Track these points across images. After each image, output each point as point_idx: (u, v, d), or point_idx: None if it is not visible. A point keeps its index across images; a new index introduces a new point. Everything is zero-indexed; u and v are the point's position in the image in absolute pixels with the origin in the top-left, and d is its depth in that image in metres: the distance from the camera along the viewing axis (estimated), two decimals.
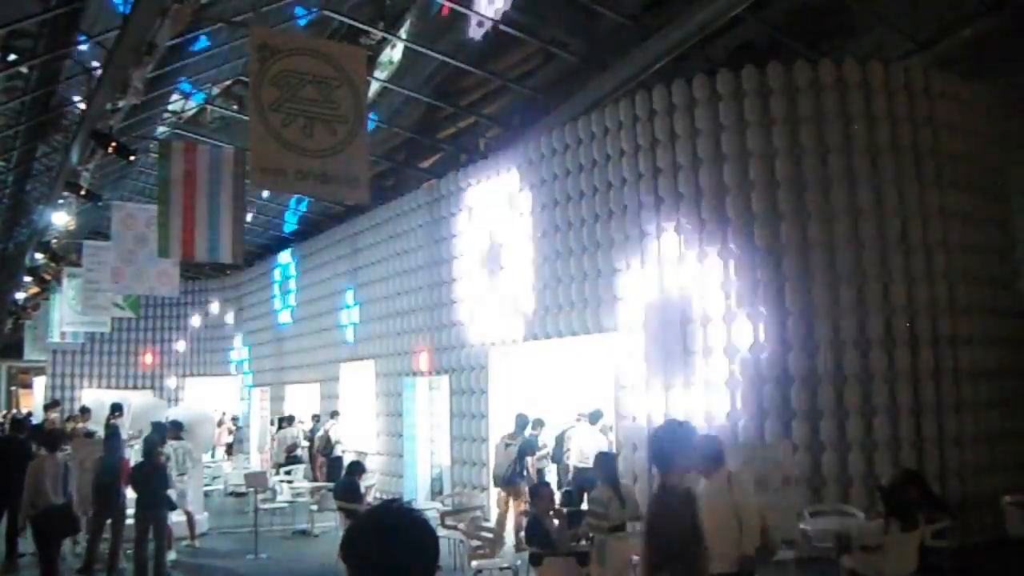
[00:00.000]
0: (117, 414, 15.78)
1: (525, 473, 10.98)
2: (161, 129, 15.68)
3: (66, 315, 18.61)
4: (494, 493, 11.78)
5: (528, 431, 11.62)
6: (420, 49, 13.14)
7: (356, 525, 1.98)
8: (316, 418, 17.20)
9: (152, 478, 9.19)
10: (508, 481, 11.00)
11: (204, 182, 9.56)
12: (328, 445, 16.00)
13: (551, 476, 12.31)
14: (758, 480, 7.59)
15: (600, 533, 7.05)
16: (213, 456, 18.77)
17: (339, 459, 15.51)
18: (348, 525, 1.97)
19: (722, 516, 5.11)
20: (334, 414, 16.62)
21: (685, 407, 9.96)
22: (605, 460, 7.92)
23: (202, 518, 12.23)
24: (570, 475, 11.70)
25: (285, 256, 20.87)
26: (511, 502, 11.02)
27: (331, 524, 12.01)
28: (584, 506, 10.22)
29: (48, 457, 8.65)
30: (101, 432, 13.62)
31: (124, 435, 13.85)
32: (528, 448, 11.16)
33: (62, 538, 8.40)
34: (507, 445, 11.13)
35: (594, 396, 11.77)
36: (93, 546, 9.57)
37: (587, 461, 10.63)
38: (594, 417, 11.43)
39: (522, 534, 8.49)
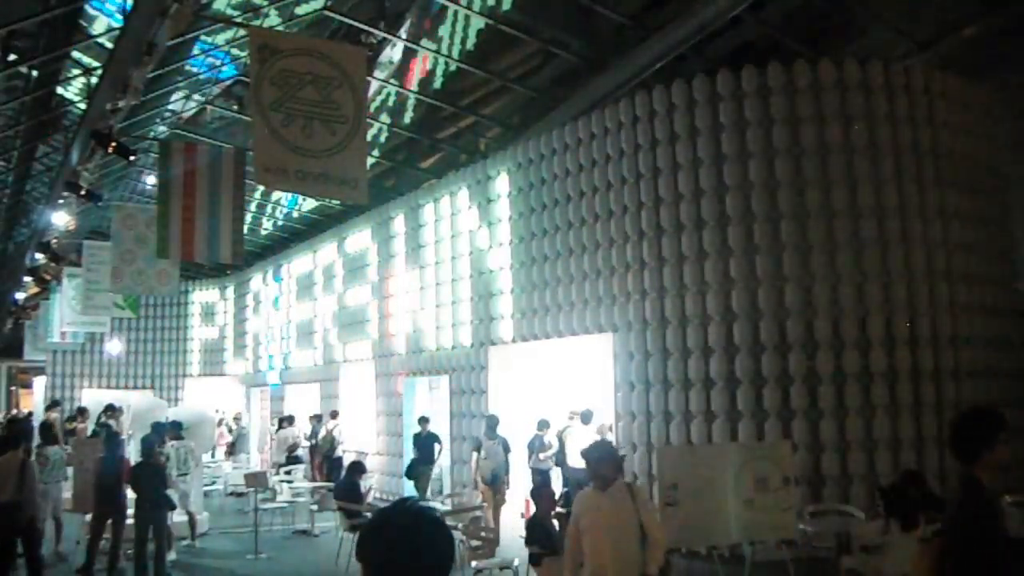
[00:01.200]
0: (110, 413, 15.76)
1: (508, 469, 11.46)
2: (161, 129, 15.68)
3: (66, 315, 18.60)
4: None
5: (535, 431, 11.83)
6: (420, 48, 13.15)
7: (372, 524, 1.98)
8: (317, 418, 17.19)
9: (151, 478, 9.18)
10: (499, 479, 11.32)
11: (204, 182, 9.56)
12: (332, 445, 15.99)
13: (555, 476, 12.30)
14: (758, 480, 7.59)
15: None
16: (213, 456, 18.77)
17: (339, 459, 15.52)
18: (364, 523, 1.97)
19: (624, 532, 4.74)
20: (334, 414, 16.61)
21: (683, 407, 9.98)
22: None
23: (202, 518, 12.23)
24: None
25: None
26: (493, 498, 11.29)
27: (331, 524, 12.00)
28: None
29: (11, 454, 8.56)
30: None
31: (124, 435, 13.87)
32: (507, 446, 11.56)
33: (13, 536, 8.25)
34: (493, 444, 11.50)
35: (592, 396, 11.76)
36: (93, 546, 9.57)
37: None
38: (586, 417, 11.46)
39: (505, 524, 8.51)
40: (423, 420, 13.71)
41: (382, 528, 1.93)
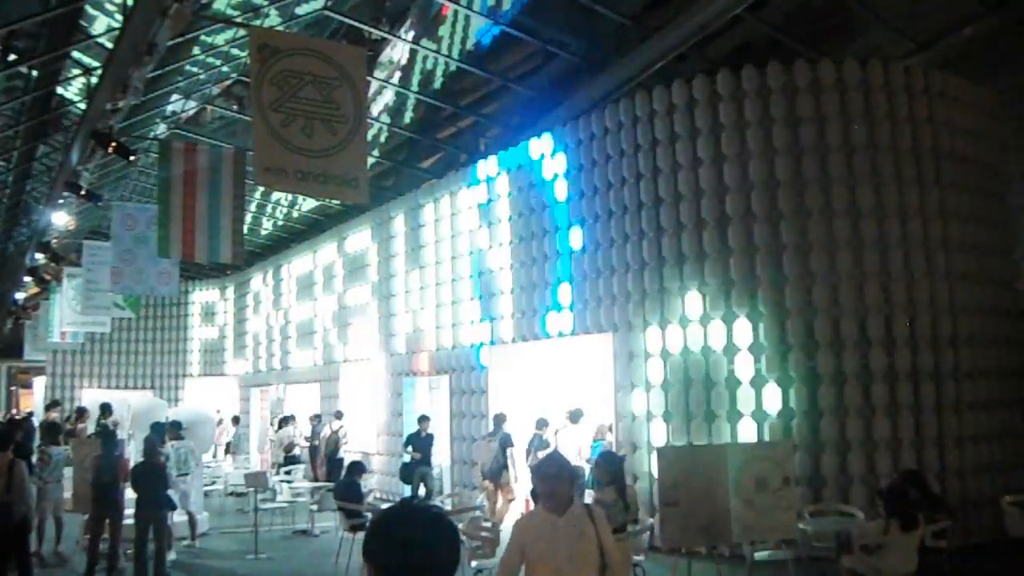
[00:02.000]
0: (108, 414, 15.77)
1: (508, 465, 11.45)
2: (161, 129, 15.67)
3: (66, 315, 18.59)
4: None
5: (534, 430, 11.79)
6: (420, 48, 13.15)
7: (378, 523, 1.99)
8: (316, 418, 17.17)
9: (152, 478, 9.17)
10: (495, 474, 11.40)
11: (204, 182, 9.55)
12: (336, 445, 16.00)
13: None
14: (758, 480, 7.59)
15: None
16: (215, 456, 18.76)
17: (340, 460, 15.52)
18: (371, 522, 2.00)
19: (585, 562, 4.17)
20: (339, 415, 16.62)
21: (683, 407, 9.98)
22: (610, 461, 7.89)
23: (202, 518, 12.23)
24: None
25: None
26: (498, 493, 11.41)
27: (331, 524, 12.00)
28: None
29: (1, 455, 8.51)
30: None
31: (123, 435, 13.86)
32: (507, 442, 11.56)
33: (3, 536, 8.20)
34: (489, 441, 11.60)
35: (592, 396, 11.76)
36: (93, 546, 9.55)
37: (575, 460, 11.10)
38: (575, 416, 11.49)
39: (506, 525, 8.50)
40: (424, 419, 13.48)
41: (389, 527, 1.94)
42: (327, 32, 12.53)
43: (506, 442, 11.57)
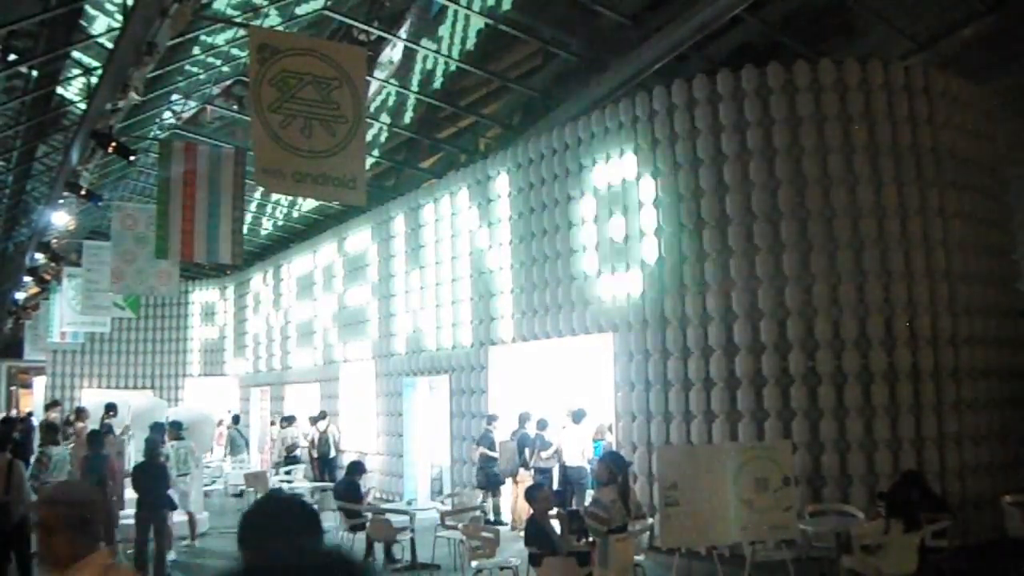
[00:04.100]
0: (111, 413, 15.79)
1: (527, 463, 11.64)
2: (161, 129, 15.67)
3: (66, 315, 18.60)
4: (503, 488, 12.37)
5: (534, 430, 11.88)
6: (420, 48, 13.14)
7: (250, 514, 2.26)
8: (313, 420, 17.17)
9: (153, 478, 9.18)
10: (512, 473, 11.63)
11: (204, 182, 9.57)
12: (325, 445, 16.01)
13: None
14: (758, 480, 7.59)
15: (599, 535, 7.04)
16: (212, 455, 18.75)
17: (332, 460, 15.56)
18: (245, 513, 2.28)
19: None
20: (323, 415, 16.62)
21: (683, 407, 9.98)
22: (614, 461, 7.89)
23: (202, 518, 12.23)
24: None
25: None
26: (518, 491, 11.48)
27: (331, 524, 11.99)
28: (575, 506, 10.32)
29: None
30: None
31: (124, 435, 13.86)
32: (525, 442, 11.67)
33: (2, 536, 8.18)
34: (511, 440, 11.81)
35: (592, 396, 11.77)
36: None
37: (577, 460, 11.50)
38: (577, 416, 11.50)
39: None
40: (494, 419, 12.44)
41: (263, 518, 2.23)
42: (327, 32, 12.53)
43: (524, 442, 11.61)
